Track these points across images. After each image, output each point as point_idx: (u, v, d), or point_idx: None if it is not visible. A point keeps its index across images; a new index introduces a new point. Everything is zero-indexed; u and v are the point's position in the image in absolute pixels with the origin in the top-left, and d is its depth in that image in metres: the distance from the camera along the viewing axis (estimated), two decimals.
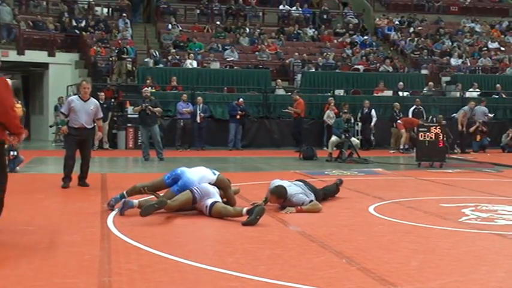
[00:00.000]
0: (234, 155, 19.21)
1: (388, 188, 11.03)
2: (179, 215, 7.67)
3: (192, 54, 24.88)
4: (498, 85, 25.55)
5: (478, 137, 21.61)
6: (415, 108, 21.62)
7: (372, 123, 21.68)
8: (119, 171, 14.43)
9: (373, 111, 21.67)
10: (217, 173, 8.28)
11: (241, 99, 21.15)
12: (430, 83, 25.20)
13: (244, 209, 7.42)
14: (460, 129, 20.52)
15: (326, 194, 9.20)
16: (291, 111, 20.71)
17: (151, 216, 7.38)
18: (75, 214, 8.01)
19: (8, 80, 6.20)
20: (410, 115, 21.34)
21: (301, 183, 8.72)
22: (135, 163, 16.73)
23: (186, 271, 5.18)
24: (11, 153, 13.23)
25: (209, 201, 7.67)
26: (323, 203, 8.62)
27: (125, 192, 8.22)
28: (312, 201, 8.20)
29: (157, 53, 25.45)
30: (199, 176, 8.05)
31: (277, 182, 8.51)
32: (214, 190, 7.90)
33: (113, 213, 7.76)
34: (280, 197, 8.19)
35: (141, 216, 7.22)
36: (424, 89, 24.98)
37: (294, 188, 8.36)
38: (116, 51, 23.96)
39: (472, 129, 21.47)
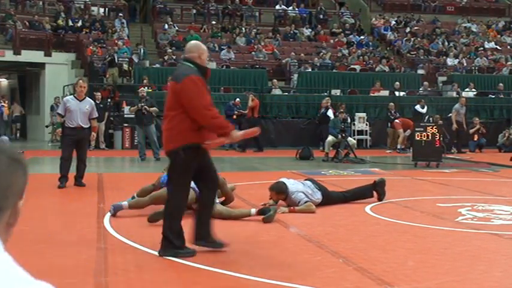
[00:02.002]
0: (230, 154, 19.19)
1: None
2: None
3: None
4: (501, 84, 25.57)
5: (476, 137, 21.62)
6: (420, 107, 21.32)
7: (330, 124, 20.97)
8: (115, 171, 14.42)
9: (329, 112, 20.76)
10: None
11: (237, 99, 21.14)
12: (426, 83, 25.22)
13: (253, 210, 7.44)
14: (455, 128, 20.44)
15: (356, 195, 9.02)
16: (247, 109, 20.31)
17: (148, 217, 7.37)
18: (71, 214, 8.00)
19: (194, 78, 5.52)
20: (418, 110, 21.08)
21: (309, 182, 8.73)
22: (131, 163, 16.73)
23: (183, 271, 5.18)
24: None
25: None
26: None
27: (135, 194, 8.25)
28: (307, 201, 8.19)
29: (142, 50, 25.21)
30: None
31: (281, 179, 8.54)
32: None
33: (109, 213, 7.75)
34: (279, 192, 8.21)
35: (149, 222, 7.12)
36: (420, 89, 25.01)
37: (296, 186, 8.36)
38: (108, 57, 23.56)
39: (472, 130, 21.42)
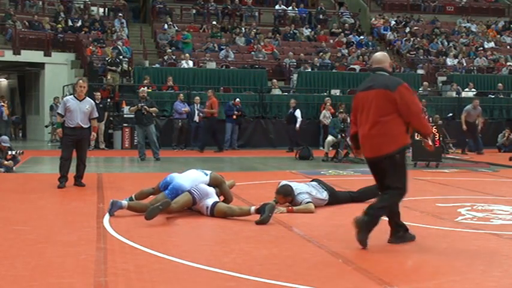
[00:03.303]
0: (230, 155, 19.21)
1: None
2: (175, 216, 7.65)
3: (187, 54, 24.82)
4: (500, 84, 25.59)
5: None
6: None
7: (297, 124, 20.37)
8: (115, 171, 14.42)
9: (297, 112, 20.46)
10: (208, 172, 8.23)
11: (237, 99, 21.13)
12: (425, 83, 25.23)
13: (253, 208, 7.42)
14: (465, 128, 20.30)
15: (362, 195, 8.87)
16: (207, 112, 19.92)
17: None
18: (71, 214, 7.99)
19: (407, 86, 6.16)
20: None
21: (315, 183, 8.75)
22: (131, 163, 16.74)
23: (183, 271, 5.18)
24: (9, 152, 13.26)
25: (209, 202, 7.64)
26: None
27: (133, 195, 8.21)
28: (308, 202, 8.19)
29: (122, 49, 25.07)
30: (190, 180, 7.93)
31: (284, 182, 8.52)
32: (212, 190, 7.88)
33: (109, 209, 7.72)
34: (286, 195, 8.20)
35: (146, 220, 7.07)
36: (420, 89, 25.02)
37: (300, 188, 8.36)
38: (108, 60, 23.28)
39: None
